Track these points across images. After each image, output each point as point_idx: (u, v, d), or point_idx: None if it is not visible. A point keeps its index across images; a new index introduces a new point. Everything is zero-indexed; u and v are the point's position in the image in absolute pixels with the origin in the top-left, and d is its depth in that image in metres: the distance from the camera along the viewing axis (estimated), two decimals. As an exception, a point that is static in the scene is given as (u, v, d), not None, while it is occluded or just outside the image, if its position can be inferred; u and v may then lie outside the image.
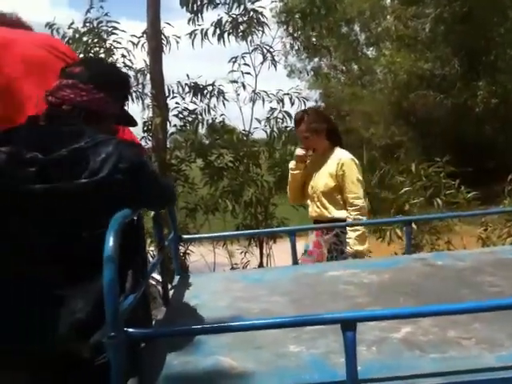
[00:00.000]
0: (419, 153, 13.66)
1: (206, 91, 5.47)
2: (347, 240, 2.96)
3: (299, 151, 3.29)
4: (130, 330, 1.18)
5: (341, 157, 3.09)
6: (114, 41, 5.50)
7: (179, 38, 5.44)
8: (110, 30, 5.47)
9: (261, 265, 5.35)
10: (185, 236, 2.83)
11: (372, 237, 5.30)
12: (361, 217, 3.00)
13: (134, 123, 1.79)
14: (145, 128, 5.37)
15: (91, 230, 1.34)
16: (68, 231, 1.37)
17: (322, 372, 1.32)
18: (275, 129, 5.46)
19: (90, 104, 1.52)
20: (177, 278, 2.34)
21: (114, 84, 1.61)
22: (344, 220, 3.02)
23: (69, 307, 1.34)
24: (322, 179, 3.10)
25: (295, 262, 2.55)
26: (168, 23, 5.44)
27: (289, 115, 5.42)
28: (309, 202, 3.20)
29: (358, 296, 1.89)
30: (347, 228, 3.04)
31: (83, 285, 1.34)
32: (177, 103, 5.47)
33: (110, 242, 1.17)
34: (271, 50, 5.57)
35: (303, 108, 5.43)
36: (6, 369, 1.36)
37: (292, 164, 3.35)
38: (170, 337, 1.50)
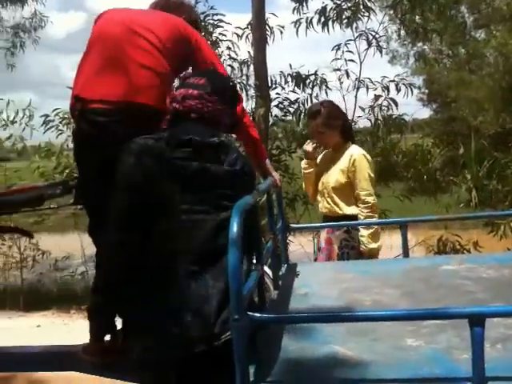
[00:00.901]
0: (534, 142, 12.63)
1: (308, 80, 5.45)
2: (360, 238, 2.85)
3: (308, 146, 3.19)
4: (255, 314, 1.22)
5: (352, 153, 2.99)
6: (219, 33, 5.64)
7: (283, 27, 5.46)
8: (215, 23, 5.61)
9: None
10: (292, 225, 2.86)
11: (483, 230, 5.02)
12: (372, 214, 2.89)
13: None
14: (247, 119, 5.45)
15: (221, 214, 1.50)
16: (209, 211, 1.52)
17: (444, 367, 1.28)
18: (380, 117, 5.32)
19: (214, 114, 1.71)
20: (284, 266, 2.37)
21: (231, 97, 1.81)
22: (355, 216, 2.90)
23: (203, 286, 1.43)
24: (333, 175, 3.01)
25: (406, 254, 2.48)
26: (273, 13, 5.48)
27: (394, 102, 5.24)
28: (319, 197, 3.12)
29: (477, 291, 1.81)
30: None
31: (212, 265, 1.44)
32: (277, 93, 5.51)
33: (234, 227, 1.22)
34: (376, 35, 5.42)
35: (409, 94, 5.27)
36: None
37: (304, 163, 3.25)
38: (287, 323, 1.53)
